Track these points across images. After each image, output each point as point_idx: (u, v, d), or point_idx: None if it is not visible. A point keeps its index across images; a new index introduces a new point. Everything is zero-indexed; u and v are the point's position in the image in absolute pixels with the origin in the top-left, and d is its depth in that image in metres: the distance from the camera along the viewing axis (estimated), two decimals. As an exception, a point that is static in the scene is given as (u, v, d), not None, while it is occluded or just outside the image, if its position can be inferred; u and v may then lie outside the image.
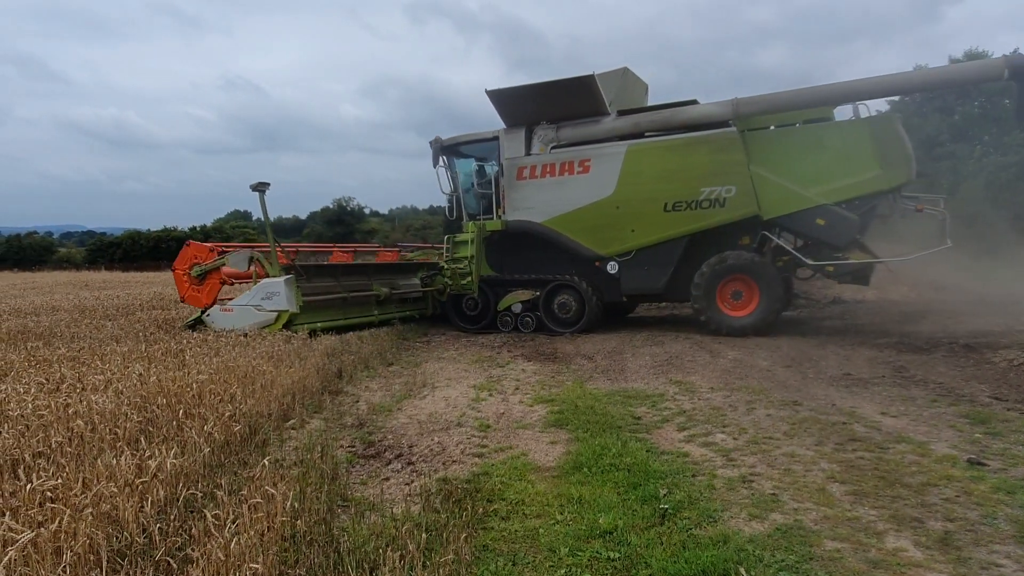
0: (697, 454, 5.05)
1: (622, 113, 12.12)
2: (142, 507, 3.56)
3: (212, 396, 5.97)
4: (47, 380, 6.46)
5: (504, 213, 12.99)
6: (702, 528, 3.70)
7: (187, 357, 8.09)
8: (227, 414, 5.44)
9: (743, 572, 3.14)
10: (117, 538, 3.31)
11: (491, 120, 13.11)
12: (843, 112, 10.98)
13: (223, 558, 3.02)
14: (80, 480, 3.75)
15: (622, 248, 12.02)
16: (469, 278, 12.77)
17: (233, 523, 3.35)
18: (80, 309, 15.51)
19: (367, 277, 13.54)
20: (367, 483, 4.67)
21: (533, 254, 12.88)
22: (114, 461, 4.06)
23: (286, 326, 11.13)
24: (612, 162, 11.88)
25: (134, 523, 3.41)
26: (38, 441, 4.51)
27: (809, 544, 3.48)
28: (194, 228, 63.05)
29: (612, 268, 12.16)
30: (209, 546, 3.12)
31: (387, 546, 3.31)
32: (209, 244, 13.04)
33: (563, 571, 3.30)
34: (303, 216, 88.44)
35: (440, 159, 13.43)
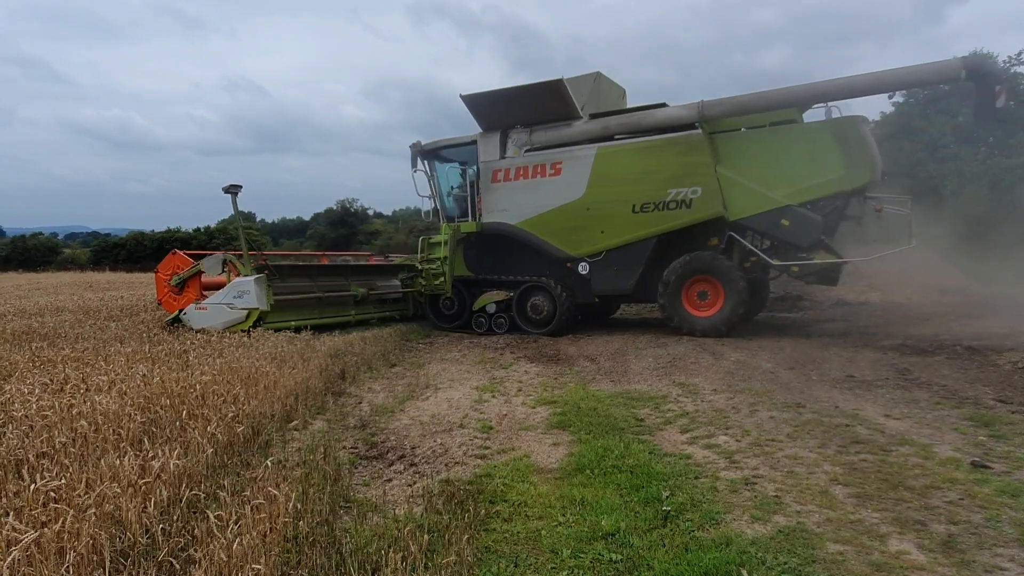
0: (700, 456, 5.04)
1: (594, 116, 12.32)
2: (145, 507, 3.57)
3: (215, 397, 5.98)
4: (51, 381, 6.48)
5: (480, 215, 13.29)
6: (704, 530, 3.69)
7: (191, 358, 8.11)
8: (230, 415, 5.45)
9: (745, 574, 3.14)
10: (120, 538, 3.32)
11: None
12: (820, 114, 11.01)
13: (226, 559, 3.02)
14: (84, 480, 3.76)
15: (592, 249, 12.22)
16: (442, 278, 13.07)
17: (236, 524, 3.36)
18: (84, 310, 15.55)
19: (345, 278, 13.94)
20: (369, 484, 4.68)
21: (508, 256, 13.15)
22: (117, 462, 4.07)
23: (256, 324, 11.42)
24: (582, 165, 12.09)
25: (137, 523, 3.41)
26: (42, 441, 4.52)
27: (812, 547, 3.47)
28: (198, 229, 63.14)
29: (583, 269, 12.34)
30: (212, 547, 3.13)
31: (389, 547, 3.31)
32: (194, 253, 13.45)
33: (565, 573, 3.30)
34: (307, 217, 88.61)
35: (418, 163, 13.74)
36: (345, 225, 64.89)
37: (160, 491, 3.76)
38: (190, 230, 63.16)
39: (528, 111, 12.50)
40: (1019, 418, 5.76)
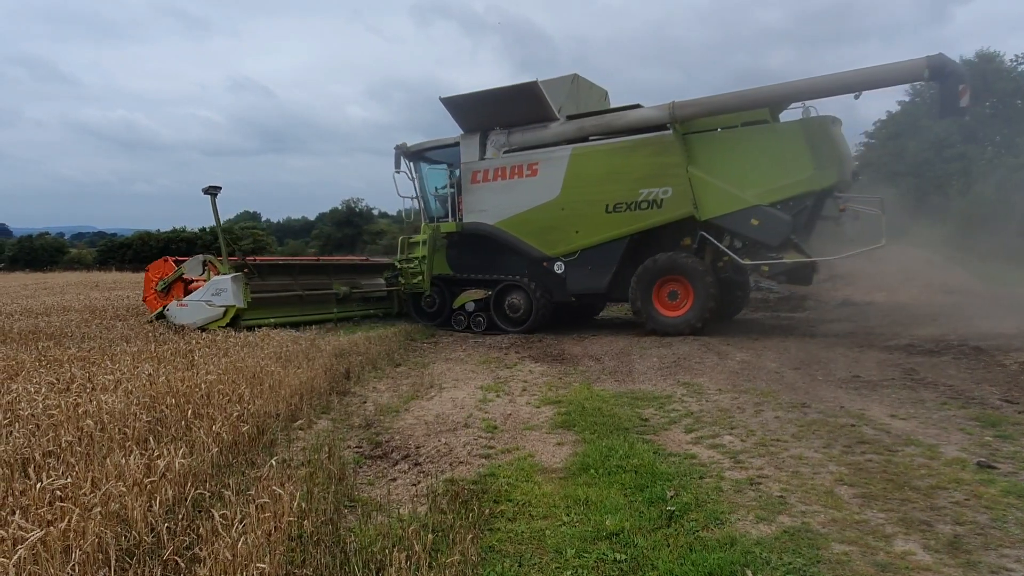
0: (704, 456, 5.03)
1: (571, 118, 12.47)
2: (150, 506, 3.59)
3: (220, 396, 6.00)
4: (57, 380, 6.52)
5: (461, 216, 13.55)
6: (709, 530, 3.69)
7: (196, 357, 8.13)
8: (235, 414, 5.46)
9: (750, 575, 3.13)
10: (126, 537, 3.34)
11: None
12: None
13: (230, 557, 3.03)
14: (89, 479, 3.77)
15: (567, 249, 12.38)
16: (420, 277, 13.45)
17: (240, 523, 3.36)
18: (91, 309, 15.62)
19: (327, 276, 14.43)
20: (374, 484, 4.68)
21: (487, 255, 13.39)
22: (123, 461, 4.08)
23: (233, 321, 11.91)
24: (558, 165, 12.26)
25: (142, 522, 3.43)
26: (48, 440, 4.54)
27: (817, 547, 3.46)
28: (203, 229, 63.33)
29: (559, 268, 12.53)
30: (216, 545, 3.14)
31: (394, 547, 3.31)
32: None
33: (569, 572, 3.29)
34: (312, 217, 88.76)
35: (402, 164, 13.99)
36: (350, 225, 65.01)
37: (165, 490, 3.77)
38: (196, 230, 63.37)
39: (506, 113, 12.76)
40: (1026, 418, 5.72)
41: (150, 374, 6.79)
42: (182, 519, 3.60)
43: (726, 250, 11.17)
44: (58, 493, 3.59)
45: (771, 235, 10.60)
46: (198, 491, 3.95)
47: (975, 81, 26.03)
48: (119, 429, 4.85)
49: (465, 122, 13.25)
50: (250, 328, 11.39)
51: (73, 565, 2.95)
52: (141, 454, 4.31)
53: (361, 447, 5.55)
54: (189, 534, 3.47)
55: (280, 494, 3.67)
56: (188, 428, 5.10)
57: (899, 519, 3.78)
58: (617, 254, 11.89)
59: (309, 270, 14.72)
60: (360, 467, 5.04)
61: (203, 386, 6.23)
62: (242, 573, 2.99)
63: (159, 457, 4.19)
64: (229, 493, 3.89)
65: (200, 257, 13.28)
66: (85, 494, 3.55)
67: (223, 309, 12.01)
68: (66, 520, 3.17)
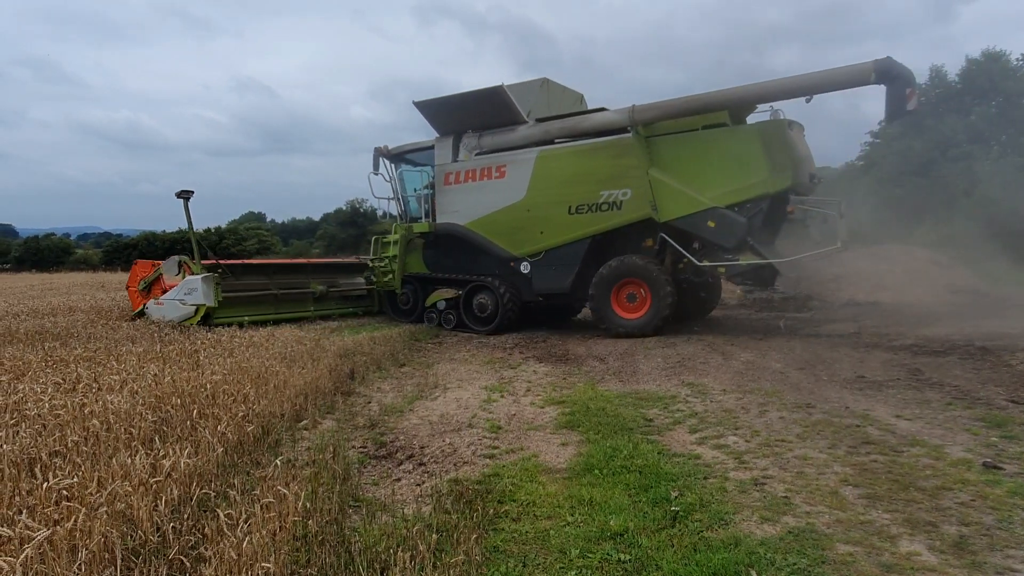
0: (709, 456, 5.02)
1: (539, 121, 12.70)
2: (156, 506, 3.60)
3: (226, 396, 6.02)
4: (64, 380, 6.54)
5: (434, 216, 13.94)
6: (713, 531, 3.68)
7: (201, 358, 8.16)
8: (240, 414, 5.48)
9: (754, 575, 3.13)
10: (131, 536, 3.35)
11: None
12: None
13: (235, 557, 3.04)
14: (95, 479, 3.79)
15: (533, 249, 12.63)
16: (391, 275, 13.91)
17: (246, 522, 3.38)
18: (97, 310, 15.67)
19: (305, 275, 15.17)
20: (378, 484, 4.69)
21: (460, 255, 13.67)
22: (129, 460, 4.10)
23: (205, 318, 12.63)
24: (524, 167, 12.53)
25: (148, 522, 3.44)
26: (55, 440, 4.57)
27: (821, 547, 3.45)
28: (208, 229, 63.52)
29: (525, 268, 12.80)
30: (222, 545, 3.15)
31: (398, 546, 3.32)
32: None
33: (573, 573, 3.30)
34: (316, 218, 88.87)
35: (381, 166, 14.43)
36: (355, 226, 65.03)
37: (171, 490, 3.79)
38: (200, 230, 63.53)
39: (476, 116, 13.04)
40: (1032, 419, 5.70)
41: (156, 374, 6.82)
42: (187, 519, 3.61)
43: (683, 251, 11.32)
44: (64, 493, 3.61)
45: (727, 237, 10.76)
46: (203, 491, 3.97)
47: (982, 80, 26.00)
48: (125, 429, 4.87)
49: (439, 125, 13.58)
50: (226, 325, 12.11)
51: (79, 564, 2.96)
52: (147, 454, 4.33)
53: (366, 447, 5.56)
54: (194, 534, 3.49)
55: (285, 494, 3.69)
56: (193, 428, 5.12)
57: (904, 520, 3.77)
58: (580, 255, 12.10)
59: (285, 270, 15.48)
60: (364, 467, 5.05)
61: (208, 386, 6.25)
62: (247, 572, 3.00)
63: (164, 457, 4.21)
64: (234, 493, 3.91)
65: (176, 258, 13.98)
66: (91, 494, 3.57)
67: (194, 307, 12.76)
68: (72, 519, 3.19)
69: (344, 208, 69.34)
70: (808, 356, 9.02)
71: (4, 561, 2.81)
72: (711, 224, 10.78)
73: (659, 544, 3.53)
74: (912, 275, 15.91)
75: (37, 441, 4.54)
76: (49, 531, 3.04)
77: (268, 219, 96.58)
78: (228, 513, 3.46)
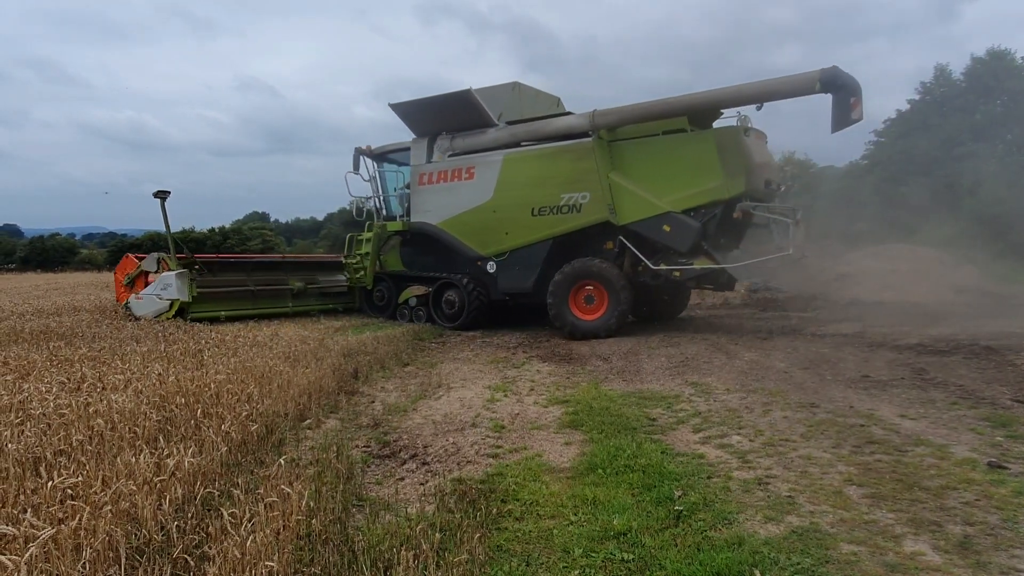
0: (712, 456, 5.02)
1: (509, 124, 12.97)
2: (160, 505, 3.61)
3: (230, 396, 6.03)
4: (68, 379, 6.56)
5: (408, 215, 14.41)
6: (717, 530, 3.68)
7: (205, 357, 8.18)
8: (244, 414, 5.49)
9: (758, 574, 3.12)
10: (136, 535, 3.36)
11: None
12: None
13: (239, 556, 3.05)
14: (100, 478, 3.80)
15: (499, 249, 12.98)
16: (363, 272, 14.58)
17: (249, 521, 3.39)
18: (101, 309, 15.71)
19: (284, 272, 15.64)
20: (382, 483, 4.70)
21: (432, 254, 14.14)
22: (133, 459, 4.11)
23: (179, 313, 13.15)
24: (491, 169, 12.88)
25: (152, 521, 3.45)
26: (59, 439, 4.58)
27: (825, 547, 3.45)
28: (212, 229, 63.63)
29: (491, 268, 13.15)
30: (226, 544, 3.16)
31: (401, 546, 3.32)
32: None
33: (577, 572, 3.30)
34: (320, 217, 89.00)
35: (362, 165, 14.86)
36: (358, 225, 65.12)
37: (175, 489, 3.80)
38: (205, 230, 63.64)
39: (448, 119, 13.37)
40: (1037, 418, 5.68)
41: (160, 374, 6.83)
42: (191, 517, 3.62)
43: (639, 254, 11.42)
44: (69, 491, 3.62)
45: (681, 241, 10.93)
46: (207, 490, 3.98)
47: (987, 78, 25.93)
48: (129, 428, 4.89)
49: (415, 127, 13.94)
50: (199, 320, 12.74)
51: (84, 563, 2.98)
52: (151, 453, 4.34)
53: (369, 446, 5.57)
54: (198, 532, 3.49)
55: (289, 493, 3.69)
56: (197, 427, 5.13)
57: (909, 519, 3.76)
58: (541, 256, 12.35)
59: (264, 267, 15.91)
60: (368, 466, 5.06)
61: (212, 386, 6.27)
62: (251, 571, 3.01)
63: (169, 456, 4.22)
64: (238, 492, 3.92)
65: (155, 255, 14.41)
66: (96, 492, 3.58)
67: (168, 302, 13.29)
68: (77, 518, 3.20)
69: (347, 208, 69.49)
70: (812, 355, 9.00)
71: (9, 559, 2.82)
72: (666, 228, 11.01)
73: (663, 544, 3.53)
74: (917, 274, 15.88)
75: (42, 440, 4.56)
76: (54, 530, 3.05)
77: (272, 219, 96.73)
78: (232, 512, 3.47)
